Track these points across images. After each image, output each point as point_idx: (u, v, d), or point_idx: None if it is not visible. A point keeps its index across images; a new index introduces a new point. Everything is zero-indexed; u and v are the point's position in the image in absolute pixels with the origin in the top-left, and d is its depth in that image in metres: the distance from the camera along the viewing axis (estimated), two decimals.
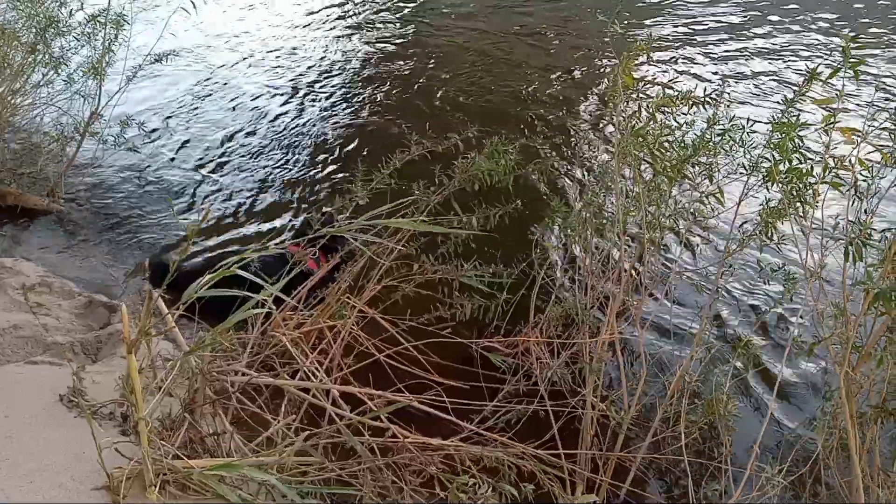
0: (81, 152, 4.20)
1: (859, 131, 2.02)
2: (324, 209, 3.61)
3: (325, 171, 4.46)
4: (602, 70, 5.86)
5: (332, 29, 7.04)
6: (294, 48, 6.55)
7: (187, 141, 4.83)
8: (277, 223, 3.92)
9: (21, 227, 3.83)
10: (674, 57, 6.02)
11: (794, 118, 2.15)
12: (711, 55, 6.06)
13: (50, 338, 2.75)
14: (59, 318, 2.97)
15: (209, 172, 4.45)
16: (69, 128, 4.14)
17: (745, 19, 6.88)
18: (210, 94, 5.56)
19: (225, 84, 5.77)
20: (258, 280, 1.63)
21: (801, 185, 2.11)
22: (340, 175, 4.34)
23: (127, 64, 4.11)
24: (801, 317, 2.05)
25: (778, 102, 2.23)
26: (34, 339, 2.76)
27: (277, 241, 3.58)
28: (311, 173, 4.45)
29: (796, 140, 2.13)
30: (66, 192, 4.07)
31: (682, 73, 5.71)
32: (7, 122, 4.16)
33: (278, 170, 4.51)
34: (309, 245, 2.70)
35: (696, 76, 5.61)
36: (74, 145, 4.12)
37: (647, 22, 6.82)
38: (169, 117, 5.15)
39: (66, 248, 3.69)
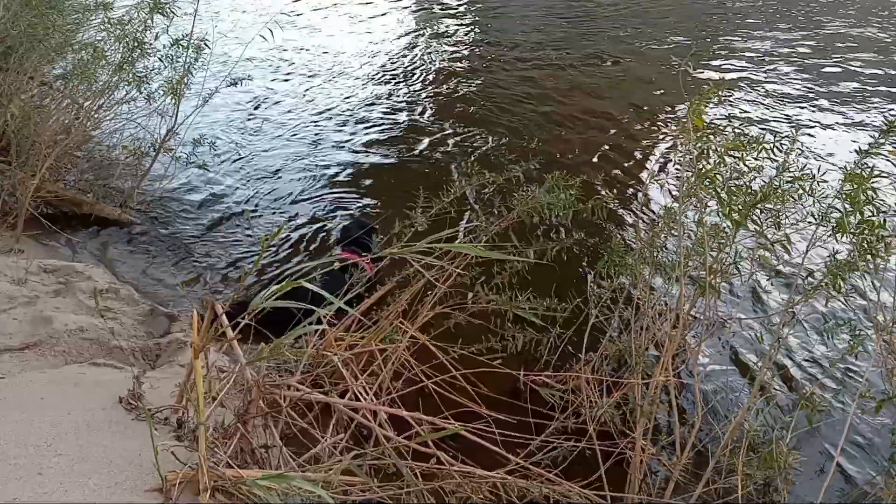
0: (155, 167, 4.40)
1: None
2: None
3: (390, 194, 4.52)
4: (672, 109, 5.83)
5: (405, 57, 7.24)
6: (365, 74, 6.77)
7: (254, 162, 4.99)
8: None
9: (93, 234, 4.01)
10: (746, 99, 5.95)
11: (868, 169, 2.10)
12: (786, 98, 5.97)
13: (113, 342, 2.85)
14: (122, 323, 3.08)
15: (273, 193, 4.59)
16: (146, 143, 4.34)
17: (825, 63, 6.76)
18: (282, 120, 5.76)
19: (294, 108, 5.98)
20: (323, 292, 1.67)
21: (872, 238, 2.05)
22: (406, 203, 4.40)
23: (204, 86, 4.31)
24: (869, 371, 1.97)
25: (852, 152, 2.18)
26: (98, 342, 2.86)
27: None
28: (375, 193, 4.53)
29: (869, 192, 2.08)
30: (137, 205, 4.26)
31: (753, 115, 5.64)
32: (89, 135, 4.39)
33: (341, 190, 4.61)
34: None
35: (767, 120, 5.53)
36: (149, 160, 4.32)
37: (722, 62, 6.77)
38: (239, 138, 5.35)
39: (133, 256, 3.85)
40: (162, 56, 4.21)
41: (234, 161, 4.98)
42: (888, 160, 2.27)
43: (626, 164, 4.91)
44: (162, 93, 4.24)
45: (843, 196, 2.11)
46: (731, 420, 2.09)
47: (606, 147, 5.15)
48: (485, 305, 2.52)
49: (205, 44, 4.11)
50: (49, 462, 1.87)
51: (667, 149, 5.13)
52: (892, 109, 5.69)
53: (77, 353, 2.79)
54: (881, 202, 2.08)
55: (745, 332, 3.06)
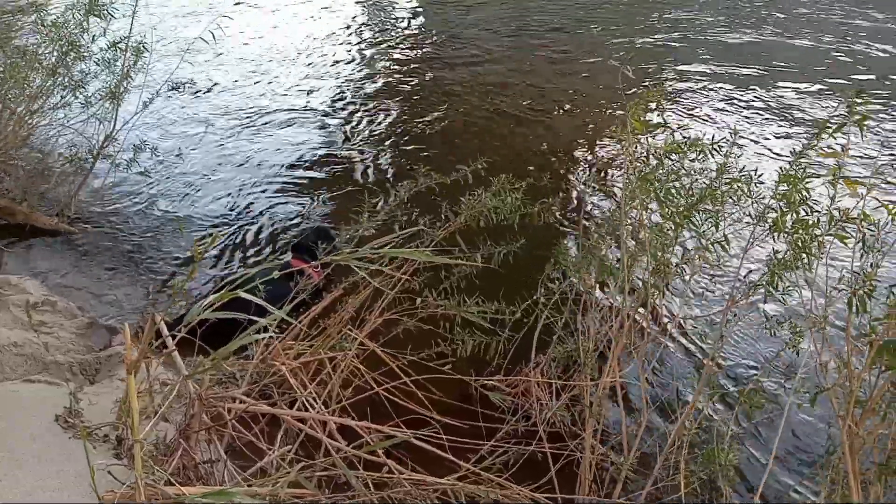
0: (94, 175, 4.25)
1: (863, 184, 2.03)
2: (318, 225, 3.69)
3: (339, 201, 4.46)
4: (614, 111, 5.90)
5: (353, 50, 7.19)
6: (311, 69, 6.71)
7: (197, 167, 4.87)
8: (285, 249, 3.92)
9: (29, 245, 3.86)
10: (687, 102, 6.06)
11: (801, 170, 2.17)
12: (725, 102, 6.10)
13: (49, 357, 2.75)
14: (59, 337, 2.97)
15: (218, 199, 4.49)
16: (83, 150, 4.19)
17: (760, 68, 6.94)
18: (224, 122, 5.63)
19: (238, 109, 5.85)
20: (262, 303, 1.63)
21: (806, 237, 2.12)
22: (353, 206, 4.35)
23: (144, 90, 4.19)
24: (804, 367, 2.04)
25: (787, 155, 2.25)
26: (33, 358, 2.75)
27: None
28: (323, 201, 4.47)
29: (803, 192, 2.14)
30: (75, 214, 4.11)
31: (694, 118, 5.74)
32: (23, 142, 4.22)
33: (289, 196, 4.53)
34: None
35: (708, 122, 5.64)
36: (87, 167, 4.17)
37: (660, 64, 6.88)
38: (182, 143, 5.21)
39: (71, 268, 3.71)
40: (99, 59, 4.09)
41: (176, 167, 4.85)
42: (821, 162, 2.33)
43: (571, 167, 4.96)
44: (99, 97, 4.11)
45: (779, 196, 2.17)
46: (679, 418, 2.13)
47: (545, 145, 5.19)
48: (434, 310, 2.51)
49: (144, 46, 4.00)
50: None
51: (610, 149, 5.20)
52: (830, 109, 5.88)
53: (10, 369, 2.68)
54: (815, 202, 2.15)
55: (690, 331, 3.13)
